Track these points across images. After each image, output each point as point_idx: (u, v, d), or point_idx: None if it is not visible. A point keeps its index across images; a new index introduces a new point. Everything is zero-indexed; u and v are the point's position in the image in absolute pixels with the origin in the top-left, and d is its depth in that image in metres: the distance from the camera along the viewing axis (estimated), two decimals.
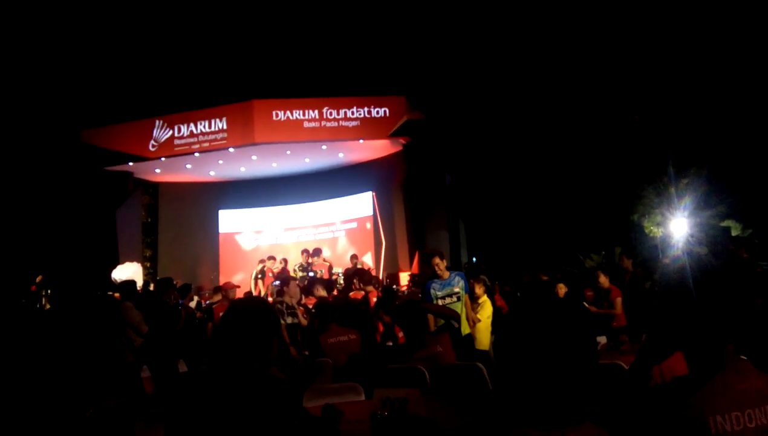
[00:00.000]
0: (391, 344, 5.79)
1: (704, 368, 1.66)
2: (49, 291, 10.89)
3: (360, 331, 5.41)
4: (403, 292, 10.17)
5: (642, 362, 2.21)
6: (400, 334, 6.12)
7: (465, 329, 5.76)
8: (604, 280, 7.23)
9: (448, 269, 5.93)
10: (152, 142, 13.65)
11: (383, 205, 14.40)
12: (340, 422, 2.24)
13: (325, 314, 5.46)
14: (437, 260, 5.82)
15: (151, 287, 11.19)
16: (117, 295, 10.16)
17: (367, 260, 13.85)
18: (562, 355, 1.29)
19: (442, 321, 5.48)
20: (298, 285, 8.22)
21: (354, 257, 12.49)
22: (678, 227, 14.17)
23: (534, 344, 1.32)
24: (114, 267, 13.00)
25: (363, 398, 3.49)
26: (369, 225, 14.59)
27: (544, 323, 1.34)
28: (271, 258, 12.81)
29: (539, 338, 1.32)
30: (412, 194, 13.81)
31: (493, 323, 6.82)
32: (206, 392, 1.87)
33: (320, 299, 7.40)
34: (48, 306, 9.59)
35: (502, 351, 1.39)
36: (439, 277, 5.83)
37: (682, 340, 1.80)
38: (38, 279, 10.56)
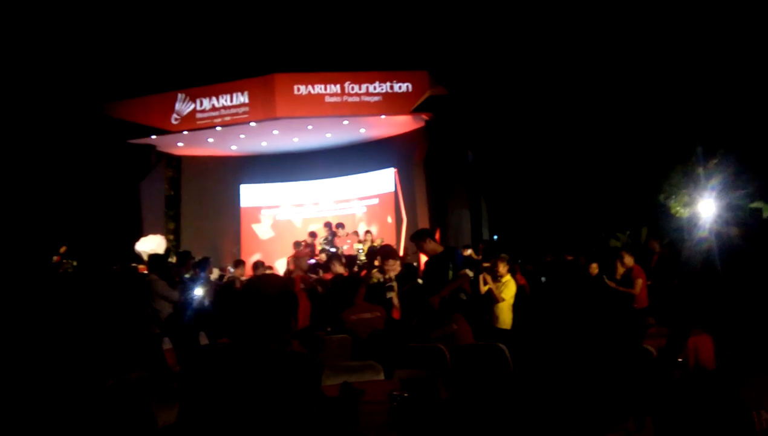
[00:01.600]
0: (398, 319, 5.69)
1: (746, 360, 1.57)
2: (74, 263, 11.04)
3: (386, 308, 5.33)
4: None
5: (671, 349, 2.13)
6: None
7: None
8: (628, 260, 7.12)
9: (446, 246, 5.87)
10: (174, 115, 13.67)
11: (405, 181, 14.28)
12: (359, 402, 2.18)
13: (350, 289, 5.35)
14: (419, 243, 5.66)
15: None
16: (140, 267, 10.30)
17: (389, 238, 13.78)
18: (598, 346, 1.20)
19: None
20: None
21: (368, 233, 12.38)
22: (706, 208, 13.84)
23: (570, 335, 1.24)
24: (138, 239, 13.13)
25: (382, 376, 3.44)
26: (390, 215, 14.50)
27: (581, 314, 1.25)
28: (312, 234, 12.67)
29: (576, 329, 1.24)
30: (434, 171, 13.66)
31: (516, 303, 6.72)
32: (221, 367, 1.83)
33: (337, 275, 7.34)
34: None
35: (532, 337, 1.32)
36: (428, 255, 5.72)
37: (711, 324, 1.71)
38: (62, 250, 10.69)
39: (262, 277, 2.21)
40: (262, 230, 15.76)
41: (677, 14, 16.54)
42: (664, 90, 16.99)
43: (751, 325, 1.64)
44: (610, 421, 1.17)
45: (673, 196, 15.32)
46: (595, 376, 1.18)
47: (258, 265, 8.49)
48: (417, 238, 5.61)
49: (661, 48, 17.16)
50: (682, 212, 15.19)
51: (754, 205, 14.03)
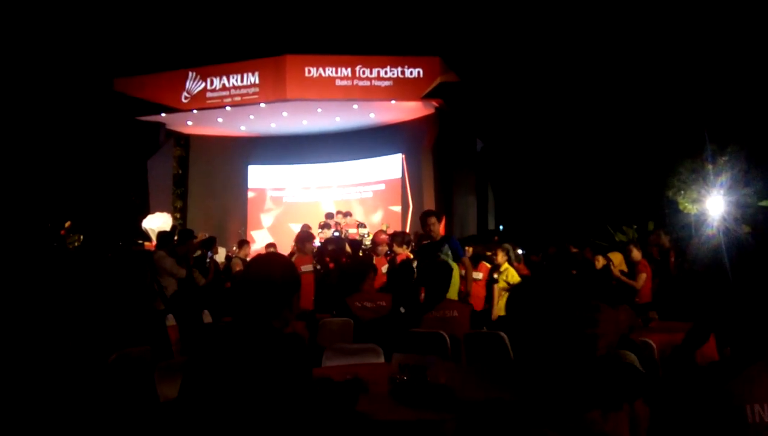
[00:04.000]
0: (403, 310, 5.66)
1: (743, 354, 1.57)
2: (81, 237, 11.12)
3: (394, 296, 5.24)
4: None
5: (686, 346, 2.14)
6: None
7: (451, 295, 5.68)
8: (636, 254, 7.11)
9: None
10: (185, 93, 13.67)
11: (412, 168, 14.26)
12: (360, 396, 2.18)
13: (359, 274, 5.25)
14: (432, 221, 5.74)
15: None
16: (147, 244, 10.36)
17: (395, 224, 13.78)
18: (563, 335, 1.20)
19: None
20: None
21: (347, 214, 12.11)
22: (714, 205, 13.78)
23: (537, 320, 1.24)
24: (144, 216, 13.19)
25: (383, 360, 3.47)
26: (396, 201, 14.46)
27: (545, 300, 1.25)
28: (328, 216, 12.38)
29: (542, 314, 1.24)
30: (442, 158, 13.63)
31: None
32: (221, 345, 1.86)
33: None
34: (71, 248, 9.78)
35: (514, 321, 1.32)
36: (431, 239, 5.79)
37: (718, 322, 1.71)
38: (67, 224, 10.76)
39: (266, 255, 2.23)
40: (260, 236, 15.51)
41: (690, 8, 16.34)
42: (676, 84, 16.83)
43: (752, 321, 1.64)
44: (586, 406, 1.18)
45: (682, 192, 15.22)
46: (567, 360, 1.19)
47: (243, 242, 8.60)
48: (427, 215, 5.76)
49: (673, 42, 16.98)
50: (690, 208, 15.11)
51: (763, 203, 13.94)
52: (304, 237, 6.64)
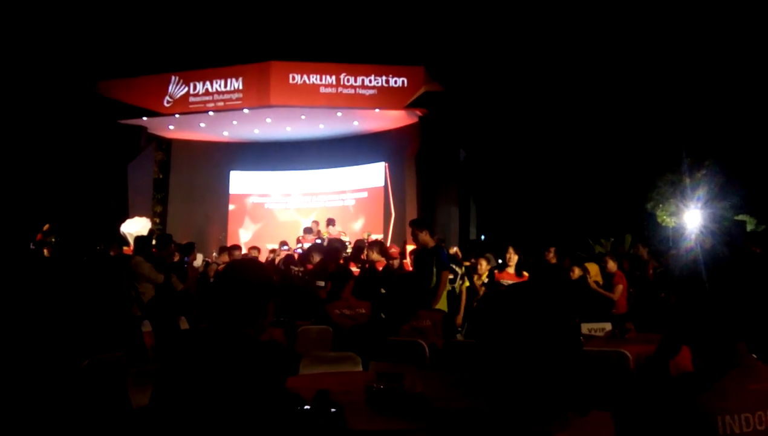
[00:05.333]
0: (384, 316, 5.65)
1: (714, 366, 1.59)
2: (53, 239, 10.94)
3: (372, 302, 5.23)
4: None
5: (658, 357, 2.15)
6: None
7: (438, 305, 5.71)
8: (611, 265, 7.17)
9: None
10: (167, 97, 13.56)
11: (395, 176, 14.28)
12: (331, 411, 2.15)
13: (338, 282, 5.23)
14: (415, 230, 5.83)
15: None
16: (125, 248, 10.22)
17: (377, 231, 13.78)
18: (535, 343, 1.21)
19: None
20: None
21: (331, 222, 11.96)
22: (692, 218, 13.99)
23: (506, 329, 1.25)
24: (123, 221, 13.03)
25: (360, 368, 3.45)
26: (378, 209, 14.46)
27: (516, 309, 1.26)
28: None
29: (511, 323, 1.24)
30: (425, 168, 13.67)
31: None
32: (194, 352, 1.83)
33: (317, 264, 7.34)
34: (47, 254, 9.60)
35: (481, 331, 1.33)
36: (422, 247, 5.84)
37: (691, 334, 1.73)
38: (45, 227, 10.58)
39: (242, 261, 2.21)
40: (245, 236, 15.46)
41: (668, 26, 16.66)
42: (656, 99, 17.11)
43: (723, 332, 1.66)
44: (552, 415, 1.18)
45: (661, 205, 15.45)
46: (536, 369, 1.19)
47: (223, 249, 8.49)
48: (416, 224, 5.82)
49: (652, 58, 17.28)
50: (669, 221, 15.34)
51: (739, 217, 14.19)
52: (338, 247, 6.68)
